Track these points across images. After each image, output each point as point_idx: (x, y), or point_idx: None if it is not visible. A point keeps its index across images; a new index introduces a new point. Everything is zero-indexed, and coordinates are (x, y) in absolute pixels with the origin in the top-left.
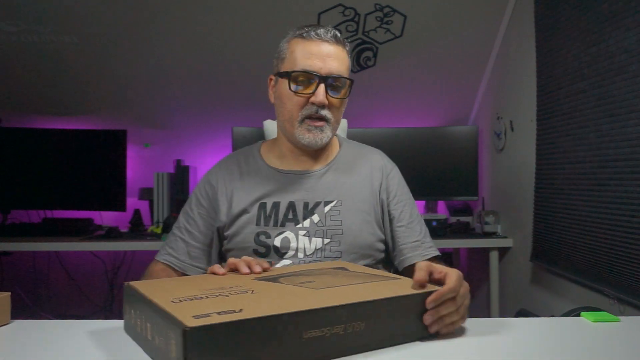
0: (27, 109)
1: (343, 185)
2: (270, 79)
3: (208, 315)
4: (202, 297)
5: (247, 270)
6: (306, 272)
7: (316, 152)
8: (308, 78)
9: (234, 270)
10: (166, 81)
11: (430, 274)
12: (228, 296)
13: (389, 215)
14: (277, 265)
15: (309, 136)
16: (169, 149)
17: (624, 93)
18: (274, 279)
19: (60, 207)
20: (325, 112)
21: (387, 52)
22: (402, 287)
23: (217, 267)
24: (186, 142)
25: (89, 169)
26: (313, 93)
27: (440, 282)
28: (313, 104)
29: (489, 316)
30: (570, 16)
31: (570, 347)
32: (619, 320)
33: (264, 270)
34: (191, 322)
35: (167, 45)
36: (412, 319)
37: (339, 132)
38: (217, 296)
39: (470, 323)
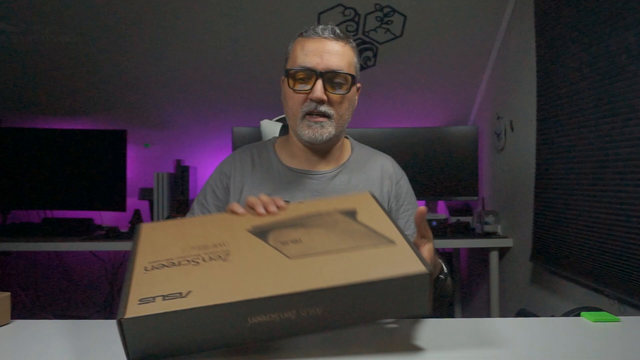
0: (27, 109)
1: (354, 188)
2: (283, 80)
3: (153, 299)
4: (176, 264)
5: (263, 211)
6: (306, 220)
7: (327, 153)
8: (306, 75)
9: (251, 208)
10: (166, 81)
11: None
12: (198, 263)
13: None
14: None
15: (309, 132)
16: (169, 149)
17: (624, 93)
18: (264, 233)
19: (60, 207)
20: (324, 108)
21: (387, 52)
22: (383, 263)
23: (236, 206)
24: (186, 142)
25: (89, 169)
26: (311, 89)
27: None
28: (312, 100)
29: (489, 316)
30: (570, 16)
31: (570, 347)
32: (619, 320)
33: (279, 208)
34: (130, 311)
35: (167, 46)
36: (374, 304)
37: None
38: (188, 262)
39: (470, 323)
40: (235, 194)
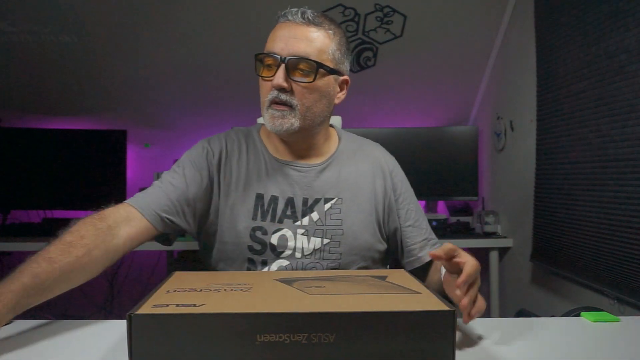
0: (27, 109)
1: (344, 181)
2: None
3: (167, 306)
4: (197, 290)
5: None
6: (334, 277)
7: (309, 145)
8: (271, 61)
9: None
10: (166, 81)
11: (452, 257)
12: (219, 291)
13: (397, 214)
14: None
15: (271, 122)
16: (169, 149)
17: (624, 93)
18: (290, 281)
19: (60, 207)
20: (285, 97)
21: (387, 52)
22: (405, 303)
23: None
24: (186, 142)
25: (89, 169)
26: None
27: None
28: (273, 87)
29: (489, 316)
30: (570, 16)
31: (570, 347)
32: (619, 320)
33: None
34: (141, 310)
35: (167, 45)
36: (391, 341)
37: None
38: (210, 290)
39: (470, 323)
40: (222, 178)
